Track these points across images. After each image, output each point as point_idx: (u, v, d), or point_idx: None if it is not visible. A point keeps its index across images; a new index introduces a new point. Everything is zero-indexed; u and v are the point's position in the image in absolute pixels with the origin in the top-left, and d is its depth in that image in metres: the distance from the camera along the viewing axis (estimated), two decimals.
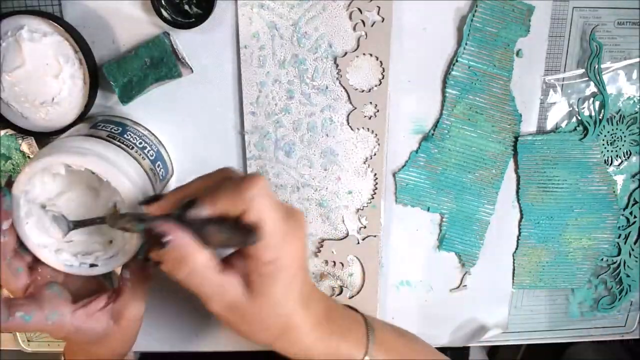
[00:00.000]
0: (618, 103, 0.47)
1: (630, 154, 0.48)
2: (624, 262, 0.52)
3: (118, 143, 0.38)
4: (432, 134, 0.46)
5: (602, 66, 0.45)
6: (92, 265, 0.38)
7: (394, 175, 0.48)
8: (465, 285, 0.52)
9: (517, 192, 0.49)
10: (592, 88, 0.46)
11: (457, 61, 0.44)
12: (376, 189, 0.47)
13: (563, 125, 0.47)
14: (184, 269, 0.32)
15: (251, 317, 0.34)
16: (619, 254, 0.51)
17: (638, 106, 0.47)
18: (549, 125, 0.47)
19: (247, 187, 0.31)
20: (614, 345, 0.58)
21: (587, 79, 0.46)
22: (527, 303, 0.54)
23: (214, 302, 0.34)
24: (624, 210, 0.50)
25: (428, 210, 0.49)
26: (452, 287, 0.52)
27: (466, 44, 0.44)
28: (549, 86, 0.46)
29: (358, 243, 0.49)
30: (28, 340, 0.54)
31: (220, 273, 0.33)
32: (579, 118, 0.47)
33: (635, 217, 0.50)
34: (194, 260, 0.31)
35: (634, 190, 0.49)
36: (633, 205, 0.50)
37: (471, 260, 0.51)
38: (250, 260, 0.32)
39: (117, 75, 0.42)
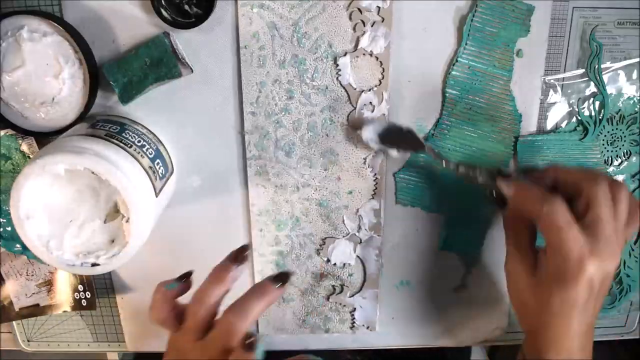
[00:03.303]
0: (618, 103, 0.47)
1: (630, 154, 0.48)
2: (624, 262, 0.52)
3: (116, 142, 0.38)
4: (432, 134, 0.46)
5: (602, 66, 0.45)
6: (93, 265, 0.38)
7: (394, 175, 0.48)
8: (466, 285, 0.52)
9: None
10: (592, 88, 0.46)
11: (457, 61, 0.44)
12: (376, 189, 0.47)
13: (563, 125, 0.47)
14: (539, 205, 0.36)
15: (524, 295, 0.39)
16: None
17: (638, 106, 0.47)
18: (549, 125, 0.47)
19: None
20: (614, 345, 0.58)
21: (587, 79, 0.46)
22: None
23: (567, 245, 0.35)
24: None
25: (428, 210, 0.49)
26: (452, 287, 0.52)
27: (466, 44, 0.44)
28: (549, 86, 0.46)
29: (359, 243, 0.49)
30: (28, 340, 0.54)
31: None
32: (579, 118, 0.47)
33: None
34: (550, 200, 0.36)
35: (634, 190, 0.49)
36: None
37: (471, 260, 0.51)
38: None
39: (117, 75, 0.42)
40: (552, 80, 0.46)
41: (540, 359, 0.38)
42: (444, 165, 0.43)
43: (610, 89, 0.46)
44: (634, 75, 0.46)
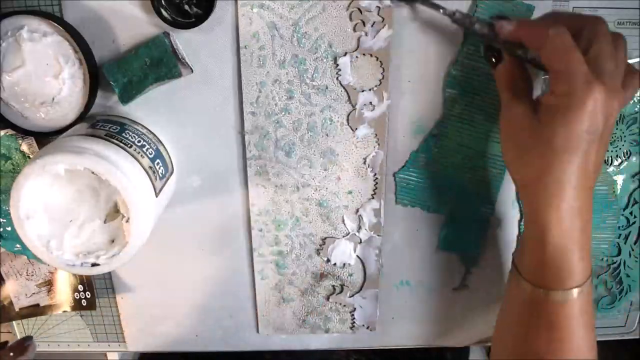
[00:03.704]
0: None
1: (630, 153, 0.48)
2: (624, 262, 0.52)
3: (116, 142, 0.38)
4: (432, 134, 0.46)
5: None
6: (93, 265, 0.38)
7: (394, 175, 0.48)
8: (466, 285, 0.52)
9: (517, 191, 0.49)
10: None
11: (457, 61, 0.44)
12: (376, 189, 0.47)
13: None
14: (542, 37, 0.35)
15: (523, 141, 0.37)
16: (619, 254, 0.51)
17: (638, 106, 0.47)
18: None
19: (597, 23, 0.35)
20: (614, 345, 0.58)
21: None
22: None
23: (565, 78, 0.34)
24: (623, 210, 0.50)
25: (428, 210, 0.49)
26: (452, 287, 0.52)
27: (466, 44, 0.44)
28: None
29: (359, 243, 0.49)
30: None
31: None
32: None
33: (635, 217, 0.50)
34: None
35: (634, 190, 0.49)
36: (633, 205, 0.50)
37: (471, 260, 0.51)
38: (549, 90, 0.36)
39: (117, 75, 0.42)
40: None
41: (540, 220, 0.37)
42: (441, 12, 0.41)
43: None
44: None
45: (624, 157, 0.48)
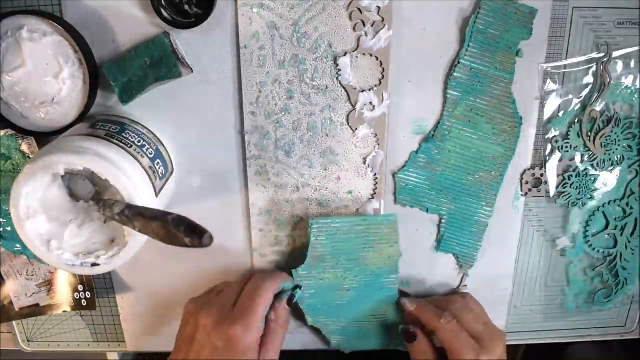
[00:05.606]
0: (616, 97, 0.46)
1: (624, 158, 0.48)
2: (620, 255, 0.51)
3: (116, 142, 0.38)
4: (433, 135, 0.46)
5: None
6: (93, 265, 0.38)
7: (393, 175, 0.48)
8: (465, 286, 0.52)
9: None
10: (590, 78, 0.46)
11: (459, 63, 0.44)
12: (376, 189, 0.47)
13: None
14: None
15: None
16: (615, 246, 0.51)
17: (636, 95, 0.47)
18: (546, 115, 0.47)
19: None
20: (614, 345, 0.58)
21: (586, 66, 0.45)
22: (526, 303, 0.54)
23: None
24: (620, 200, 0.49)
25: (427, 211, 0.49)
26: (452, 288, 0.52)
27: (469, 45, 0.44)
28: (547, 74, 0.46)
29: None
30: (28, 340, 0.54)
31: None
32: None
33: (632, 208, 0.50)
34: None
35: (630, 181, 0.49)
36: (629, 196, 0.49)
37: (468, 262, 0.51)
38: None
39: (117, 75, 0.42)
40: (550, 69, 0.45)
41: None
42: None
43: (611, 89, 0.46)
44: (633, 72, 0.46)
45: (618, 163, 0.48)
